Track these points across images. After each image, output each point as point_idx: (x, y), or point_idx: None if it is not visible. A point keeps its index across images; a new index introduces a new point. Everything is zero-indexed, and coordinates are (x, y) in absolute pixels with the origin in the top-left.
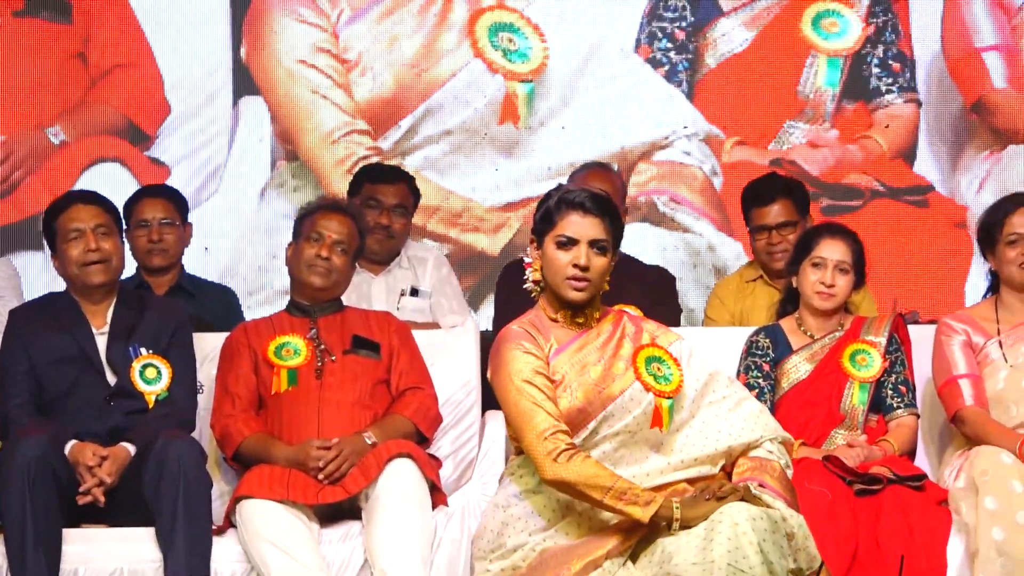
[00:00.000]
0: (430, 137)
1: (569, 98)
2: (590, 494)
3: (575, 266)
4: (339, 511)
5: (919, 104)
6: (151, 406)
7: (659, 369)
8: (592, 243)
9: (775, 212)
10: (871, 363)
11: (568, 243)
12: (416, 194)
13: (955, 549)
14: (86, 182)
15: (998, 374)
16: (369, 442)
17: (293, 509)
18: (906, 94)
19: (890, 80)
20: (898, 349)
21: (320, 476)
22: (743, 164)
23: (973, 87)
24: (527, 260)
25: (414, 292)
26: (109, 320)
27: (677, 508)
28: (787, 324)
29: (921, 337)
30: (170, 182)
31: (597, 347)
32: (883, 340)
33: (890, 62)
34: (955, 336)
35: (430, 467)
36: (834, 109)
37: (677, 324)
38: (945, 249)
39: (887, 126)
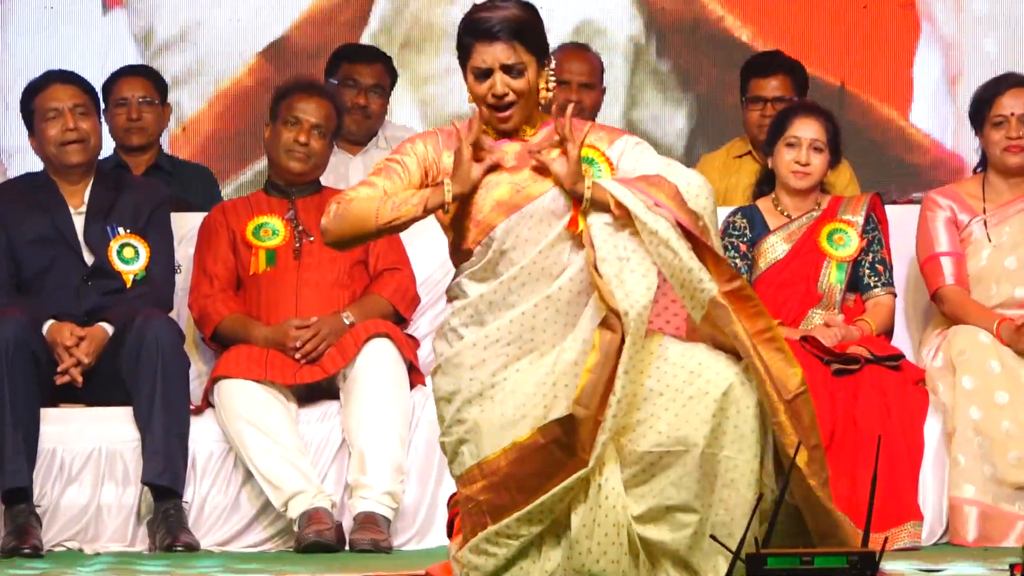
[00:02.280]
0: None
1: None
2: (365, 227)
3: (493, 95)
4: (317, 391)
5: None
6: (129, 286)
7: (586, 169)
8: (504, 68)
9: (773, 85)
10: (848, 242)
11: (482, 75)
12: (393, 74)
13: (932, 428)
14: None
15: (981, 252)
16: (347, 322)
17: (271, 389)
18: None
19: None
20: (875, 228)
21: (298, 356)
22: None
23: None
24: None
25: None
26: (87, 200)
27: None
28: (764, 204)
29: (898, 216)
30: None
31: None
32: (860, 219)
33: None
34: (940, 212)
35: (408, 347)
36: None
37: None
38: (892, 28)
39: None
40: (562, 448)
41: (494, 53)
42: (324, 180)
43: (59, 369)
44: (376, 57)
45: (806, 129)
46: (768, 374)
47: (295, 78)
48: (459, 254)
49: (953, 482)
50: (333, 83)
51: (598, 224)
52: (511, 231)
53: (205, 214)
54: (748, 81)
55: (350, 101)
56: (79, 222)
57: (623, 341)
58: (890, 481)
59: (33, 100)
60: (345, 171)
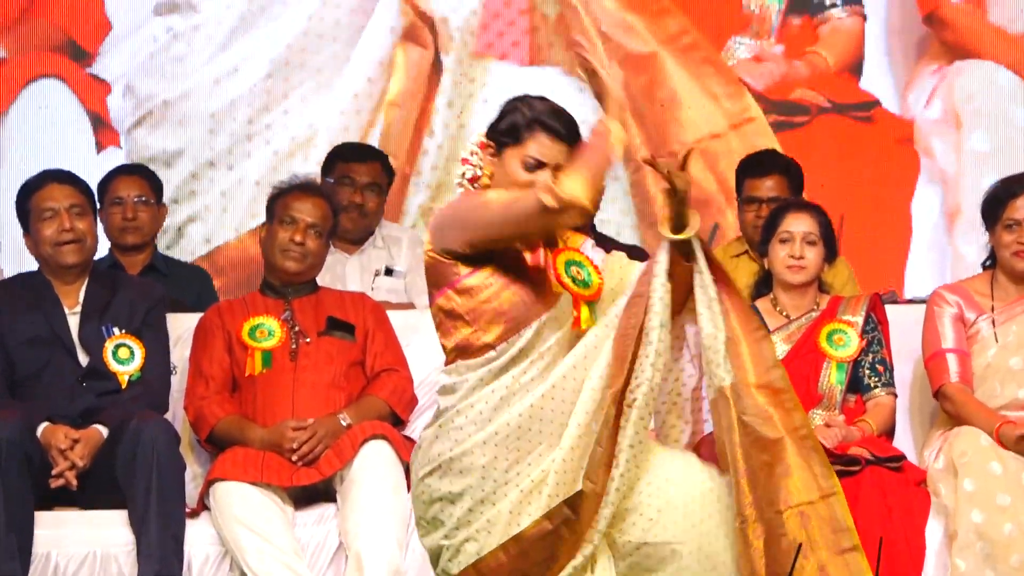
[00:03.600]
0: None
1: None
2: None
3: None
4: (314, 493)
5: (864, 17)
6: (124, 387)
7: (578, 273)
8: (556, 169)
9: (768, 186)
10: (848, 343)
11: (536, 166)
12: (390, 172)
13: (934, 531)
14: (27, 98)
15: (987, 351)
16: (344, 424)
17: (267, 491)
18: (850, 7)
19: None
20: (875, 328)
21: (294, 458)
22: None
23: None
24: (464, 156)
25: (388, 272)
26: (82, 300)
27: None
28: (763, 305)
29: (901, 316)
30: (111, 99)
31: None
32: (860, 320)
33: None
34: (947, 308)
35: (405, 448)
36: (779, 24)
37: None
38: (891, 165)
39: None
40: (569, 527)
41: (556, 152)
42: (320, 280)
43: (54, 472)
44: (372, 155)
45: (798, 224)
46: (751, 489)
47: (290, 178)
48: (474, 350)
49: None
50: (329, 182)
51: (658, 283)
52: (540, 331)
53: (201, 315)
54: (743, 182)
55: (346, 200)
56: (74, 322)
57: (619, 415)
58: None
59: (29, 200)
60: (342, 271)
